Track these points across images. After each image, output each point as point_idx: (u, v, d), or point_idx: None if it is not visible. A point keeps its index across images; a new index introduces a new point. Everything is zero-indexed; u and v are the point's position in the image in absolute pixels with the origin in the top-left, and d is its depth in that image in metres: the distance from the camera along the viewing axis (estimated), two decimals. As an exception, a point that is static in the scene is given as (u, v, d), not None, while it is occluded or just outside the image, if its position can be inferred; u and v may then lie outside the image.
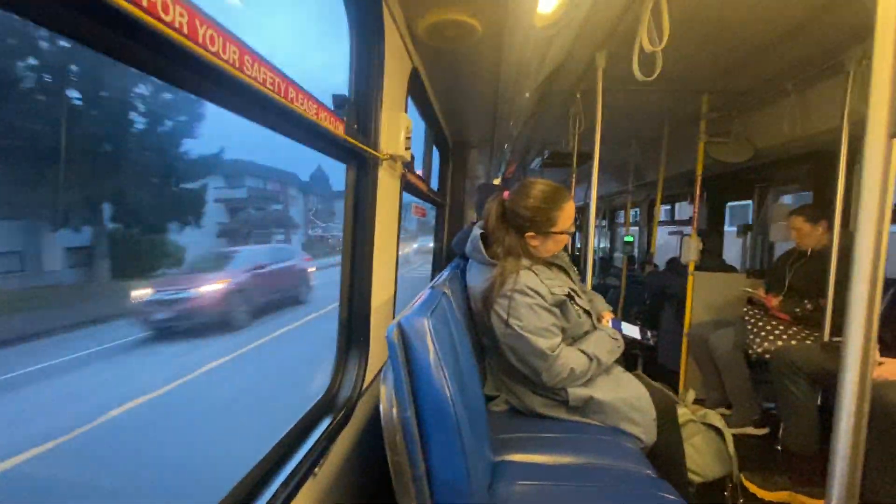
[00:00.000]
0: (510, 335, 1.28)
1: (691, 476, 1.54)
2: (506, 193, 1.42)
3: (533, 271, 1.32)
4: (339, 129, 0.93)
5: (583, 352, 1.33)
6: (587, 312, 1.44)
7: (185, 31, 0.48)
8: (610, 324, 1.53)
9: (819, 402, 1.86)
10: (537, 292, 1.28)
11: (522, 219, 1.35)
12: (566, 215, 1.36)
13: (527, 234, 1.35)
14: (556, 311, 1.32)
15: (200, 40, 0.50)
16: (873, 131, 0.58)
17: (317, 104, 0.84)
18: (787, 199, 3.60)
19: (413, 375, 0.82)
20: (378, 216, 1.24)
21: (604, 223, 6.25)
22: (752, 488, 1.80)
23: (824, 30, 1.62)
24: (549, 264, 1.44)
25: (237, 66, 0.58)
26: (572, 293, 1.38)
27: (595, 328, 1.46)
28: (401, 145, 1.29)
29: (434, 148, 2.78)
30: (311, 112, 0.81)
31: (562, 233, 1.36)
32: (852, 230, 2.05)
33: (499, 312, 1.29)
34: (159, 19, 0.45)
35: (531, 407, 1.40)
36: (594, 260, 2.13)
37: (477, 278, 1.40)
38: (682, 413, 1.59)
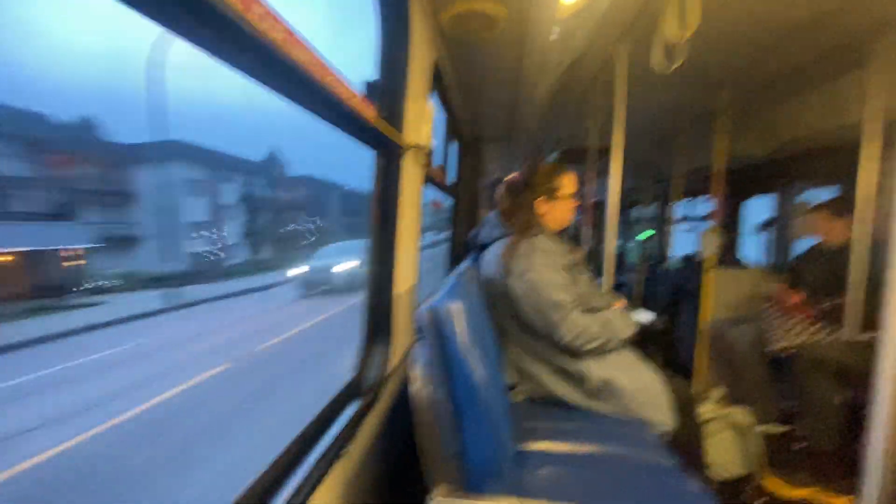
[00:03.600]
0: (528, 290, 1.36)
1: (713, 472, 1.54)
2: (515, 175, 1.58)
3: (544, 237, 1.45)
4: (370, 115, 0.94)
5: (596, 318, 1.40)
6: (597, 289, 1.55)
7: (240, 5, 0.49)
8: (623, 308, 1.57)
9: (842, 398, 1.83)
10: (551, 252, 1.41)
11: (532, 186, 1.50)
12: (569, 181, 1.52)
13: (536, 201, 1.49)
14: (569, 273, 1.43)
15: (252, 17, 0.52)
16: None
17: (350, 89, 0.85)
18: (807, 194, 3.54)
19: (445, 357, 0.83)
20: (401, 205, 1.25)
21: (620, 219, 6.20)
22: (773, 485, 1.78)
23: (844, 23, 1.59)
24: (561, 245, 1.52)
25: (284, 46, 0.59)
26: (581, 265, 1.52)
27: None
28: (424, 135, 1.30)
29: (451, 141, 2.79)
30: (346, 96, 0.82)
31: (567, 197, 1.51)
32: (880, 226, 2.02)
33: (516, 271, 1.38)
34: None
35: (551, 391, 1.40)
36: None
37: (496, 250, 1.48)
38: (708, 410, 1.59)
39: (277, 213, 29.83)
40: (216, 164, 24.28)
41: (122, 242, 20.02)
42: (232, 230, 24.28)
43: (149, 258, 20.14)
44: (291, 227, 29.71)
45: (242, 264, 23.58)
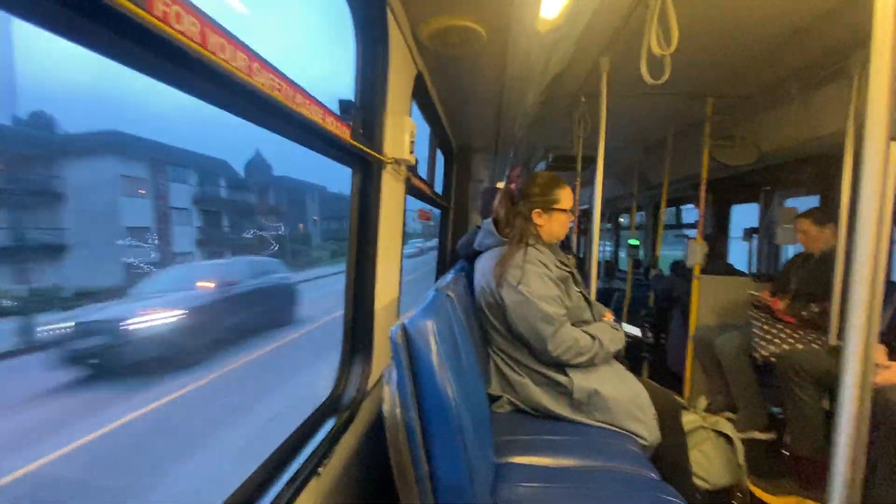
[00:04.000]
0: (520, 301, 1.36)
1: (699, 482, 1.54)
2: (512, 185, 1.57)
3: (539, 249, 1.45)
4: (344, 134, 0.95)
5: (585, 332, 1.41)
6: (587, 302, 1.54)
7: (197, 38, 0.50)
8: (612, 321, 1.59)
9: (826, 405, 1.84)
10: (545, 264, 1.41)
11: (530, 197, 1.50)
12: (566, 195, 1.52)
13: (534, 212, 1.49)
14: (561, 286, 1.43)
15: (210, 48, 0.52)
16: (872, 134, 0.59)
17: (323, 109, 0.85)
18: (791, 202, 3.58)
19: (416, 377, 0.83)
20: (382, 219, 1.25)
21: (608, 227, 6.24)
22: (759, 493, 1.78)
23: (829, 34, 1.62)
24: (555, 256, 1.52)
25: (247, 72, 0.59)
26: (573, 278, 1.51)
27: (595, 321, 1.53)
28: (405, 149, 1.31)
29: (438, 152, 2.80)
30: (318, 117, 0.82)
31: (563, 210, 1.51)
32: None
33: (510, 281, 1.38)
34: (172, 28, 0.46)
35: (535, 402, 1.40)
36: (598, 263, 2.13)
37: (489, 260, 1.48)
38: (693, 419, 1.59)
39: (243, 217, 26.42)
40: (162, 159, 20.51)
41: (40, 252, 15.73)
42: (183, 237, 21.14)
43: (74, 271, 16.18)
44: (253, 233, 25.91)
45: None
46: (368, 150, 1.10)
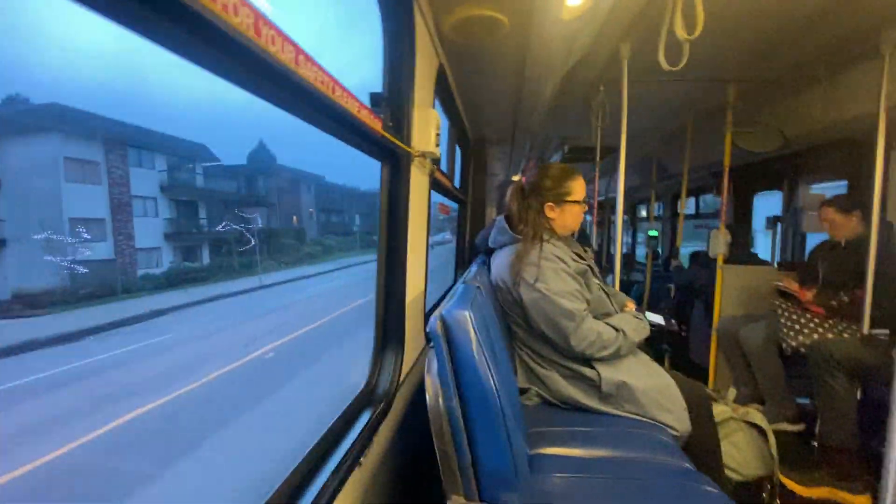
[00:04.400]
0: (539, 299, 1.35)
1: (730, 474, 1.52)
2: (523, 178, 1.55)
3: (553, 244, 1.43)
4: (376, 126, 0.95)
5: (608, 324, 1.39)
6: (607, 295, 1.52)
7: (252, 30, 0.50)
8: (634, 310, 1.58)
9: (858, 396, 1.81)
10: (561, 259, 1.38)
11: (541, 191, 1.47)
12: (578, 186, 1.49)
13: (546, 205, 1.47)
14: (580, 279, 1.40)
15: (264, 40, 0.52)
16: None
17: (358, 103, 0.85)
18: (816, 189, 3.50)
19: (457, 366, 0.83)
20: (410, 213, 1.25)
21: (625, 218, 6.17)
22: (791, 485, 1.76)
23: (857, 12, 1.57)
24: (571, 249, 1.51)
25: (293, 65, 0.60)
26: (591, 270, 1.49)
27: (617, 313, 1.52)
28: (431, 142, 1.30)
29: (455, 145, 2.79)
30: (354, 109, 0.82)
31: (576, 202, 1.48)
32: (890, 220, 1.99)
33: (527, 279, 1.36)
34: (231, 18, 0.47)
35: (563, 395, 1.40)
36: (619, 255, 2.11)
37: (505, 258, 1.46)
38: (723, 410, 1.57)
39: (227, 208, 22.91)
40: (120, 140, 17.14)
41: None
42: (149, 230, 18.33)
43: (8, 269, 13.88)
44: (227, 226, 21.73)
45: (159, 276, 17.37)
46: (399, 143, 1.10)
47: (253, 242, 21.15)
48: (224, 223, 21.90)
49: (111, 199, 16.76)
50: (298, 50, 0.62)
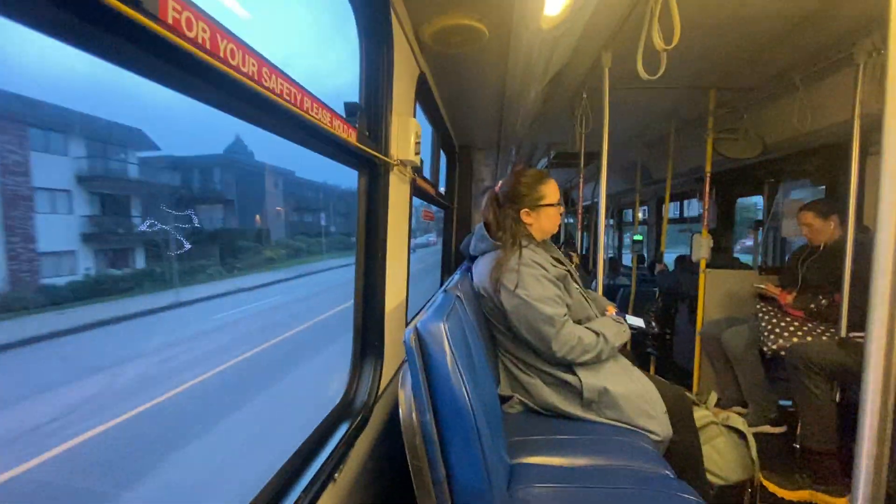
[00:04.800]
0: (519, 305, 1.35)
1: (712, 478, 1.53)
2: (497, 186, 1.56)
3: (532, 249, 1.44)
4: (351, 137, 0.94)
5: (588, 328, 1.39)
6: (587, 299, 1.52)
7: (208, 46, 0.49)
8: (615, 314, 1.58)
9: (837, 398, 1.84)
10: (540, 265, 1.39)
11: (515, 198, 1.48)
12: (551, 190, 1.50)
13: (522, 211, 1.48)
14: (560, 284, 1.42)
15: (222, 54, 0.51)
16: (890, 123, 0.57)
17: (330, 113, 0.85)
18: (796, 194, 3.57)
19: (431, 379, 0.82)
20: (389, 221, 1.25)
21: (611, 222, 6.23)
22: (772, 487, 1.77)
23: (832, 22, 1.61)
24: (550, 254, 1.51)
25: (256, 78, 0.59)
26: (571, 275, 1.49)
27: (598, 317, 1.52)
28: (411, 150, 1.30)
29: (441, 151, 2.79)
30: (326, 121, 0.82)
31: (551, 205, 1.49)
32: (867, 224, 2.03)
33: (507, 286, 1.37)
34: (183, 36, 0.46)
35: (546, 402, 1.40)
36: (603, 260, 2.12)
37: (485, 265, 1.46)
38: (704, 415, 1.59)
39: (172, 205, 19.17)
40: (16, 117, 13.48)
41: None
42: (60, 230, 14.62)
43: None
44: (171, 225, 18.15)
45: (61, 288, 13.43)
46: (375, 153, 1.09)
47: (188, 246, 17.89)
48: (159, 222, 17.86)
49: (2, 191, 13.05)
50: (262, 62, 0.61)
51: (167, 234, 17.88)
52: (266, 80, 0.61)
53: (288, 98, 0.67)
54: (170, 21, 0.44)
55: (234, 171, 25.38)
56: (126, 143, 18.14)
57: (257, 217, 26.37)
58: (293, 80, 0.70)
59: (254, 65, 0.58)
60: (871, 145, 2.07)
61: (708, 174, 2.50)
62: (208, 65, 0.50)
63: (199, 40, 0.48)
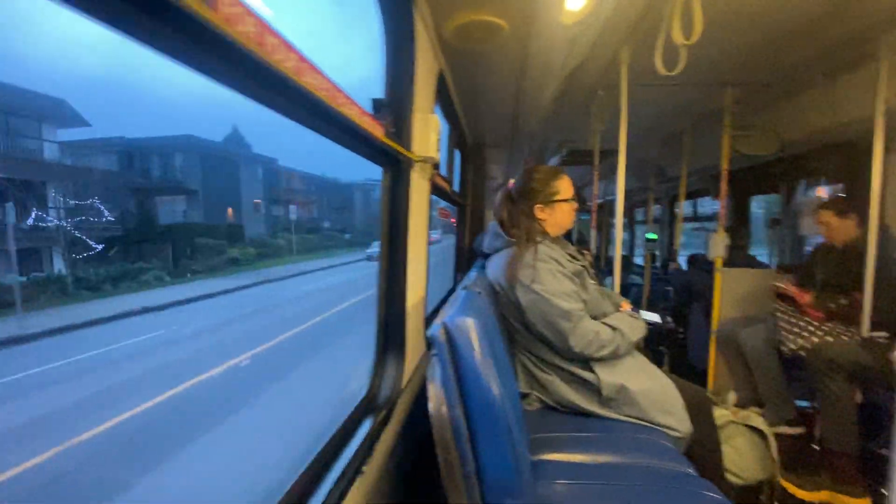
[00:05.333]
0: (536, 300, 1.35)
1: (731, 478, 1.53)
2: (510, 182, 1.56)
3: (548, 245, 1.44)
4: (378, 133, 0.95)
5: (605, 323, 1.39)
6: (603, 295, 1.52)
7: (256, 40, 0.50)
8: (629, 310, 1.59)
9: (858, 399, 1.81)
10: (556, 260, 1.39)
11: (529, 194, 1.49)
12: (565, 185, 1.50)
13: (536, 207, 1.47)
14: (576, 280, 1.41)
15: (268, 49, 0.52)
16: None
17: (359, 109, 0.85)
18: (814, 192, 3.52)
19: (460, 374, 0.83)
20: (410, 218, 1.25)
21: (624, 221, 6.19)
22: (791, 488, 1.76)
23: (854, 15, 1.58)
24: (565, 250, 1.51)
25: (297, 73, 0.59)
26: (586, 271, 1.49)
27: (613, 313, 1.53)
28: (431, 147, 1.30)
29: (454, 149, 2.79)
30: (355, 116, 0.82)
31: (565, 200, 1.49)
32: (888, 223, 2.00)
33: (523, 282, 1.37)
34: (235, 28, 0.46)
35: (564, 399, 1.40)
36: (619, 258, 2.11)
37: (500, 261, 1.47)
38: (723, 414, 1.58)
39: (107, 195, 15.97)
40: None
41: None
42: None
43: None
44: (94, 219, 15.21)
45: None
46: (400, 149, 1.10)
47: (113, 249, 14.59)
48: (82, 216, 14.61)
49: None
50: (301, 58, 0.61)
51: (107, 229, 15.10)
52: (304, 76, 0.62)
53: (324, 94, 0.68)
54: (224, 15, 0.44)
55: (200, 157, 20.91)
56: (40, 118, 14.70)
57: (229, 211, 22.65)
58: (327, 76, 0.71)
59: (294, 60, 0.59)
60: (893, 141, 2.04)
61: (724, 171, 2.47)
62: (254, 59, 0.51)
63: (249, 35, 0.48)
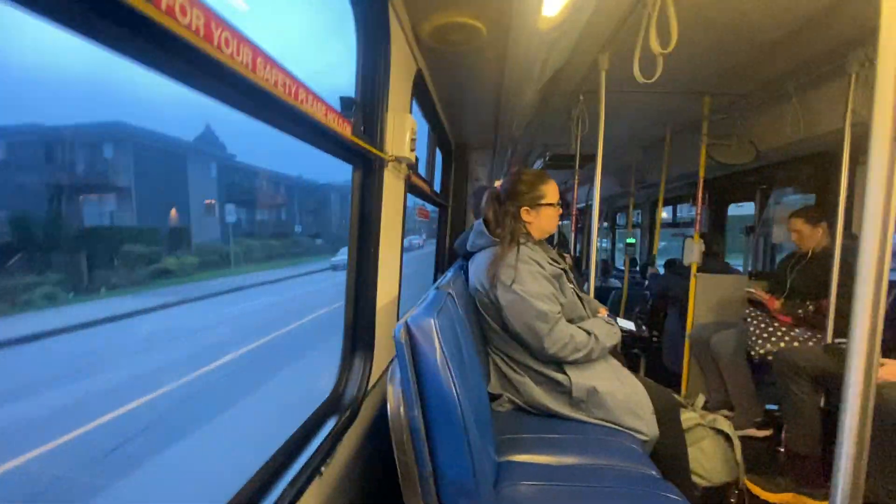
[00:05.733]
0: (515, 300, 1.36)
1: (697, 480, 1.55)
2: (497, 184, 1.58)
3: (530, 247, 1.47)
4: (346, 131, 0.94)
5: (581, 328, 1.41)
6: (580, 299, 1.54)
7: (202, 33, 0.49)
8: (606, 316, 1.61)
9: (822, 403, 1.86)
10: (537, 262, 1.42)
11: (516, 196, 1.51)
12: (551, 190, 1.53)
13: (522, 209, 1.50)
14: (555, 283, 1.43)
15: (216, 42, 0.51)
16: (877, 133, 0.58)
17: (325, 106, 0.84)
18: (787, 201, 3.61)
19: (420, 375, 0.82)
20: (383, 218, 1.25)
21: (604, 225, 6.26)
22: (756, 490, 1.79)
23: (826, 32, 1.63)
24: (547, 253, 1.53)
25: (250, 68, 0.58)
26: (566, 274, 1.52)
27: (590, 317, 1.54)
28: (406, 147, 1.30)
29: (437, 150, 2.79)
30: (320, 114, 0.81)
31: (550, 205, 1.52)
32: (855, 232, 2.06)
33: (504, 281, 1.38)
34: (177, 21, 0.45)
35: (535, 401, 1.41)
36: (595, 262, 2.14)
37: (483, 260, 1.48)
38: (691, 417, 1.60)
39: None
40: None
41: None
42: None
43: None
44: None
45: None
46: (369, 148, 1.09)
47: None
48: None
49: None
50: (257, 52, 0.60)
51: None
52: (261, 71, 0.61)
53: (283, 89, 0.67)
54: (164, 7, 0.43)
55: (135, 148, 17.14)
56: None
57: (172, 212, 19.31)
58: (288, 72, 0.70)
59: (248, 54, 0.58)
60: (862, 154, 2.10)
61: (701, 179, 2.52)
62: (201, 52, 0.50)
63: (193, 27, 0.47)
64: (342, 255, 13.34)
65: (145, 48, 0.47)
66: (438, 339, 0.83)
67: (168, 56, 0.49)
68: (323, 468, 0.88)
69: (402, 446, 0.81)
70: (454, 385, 0.81)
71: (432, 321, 0.85)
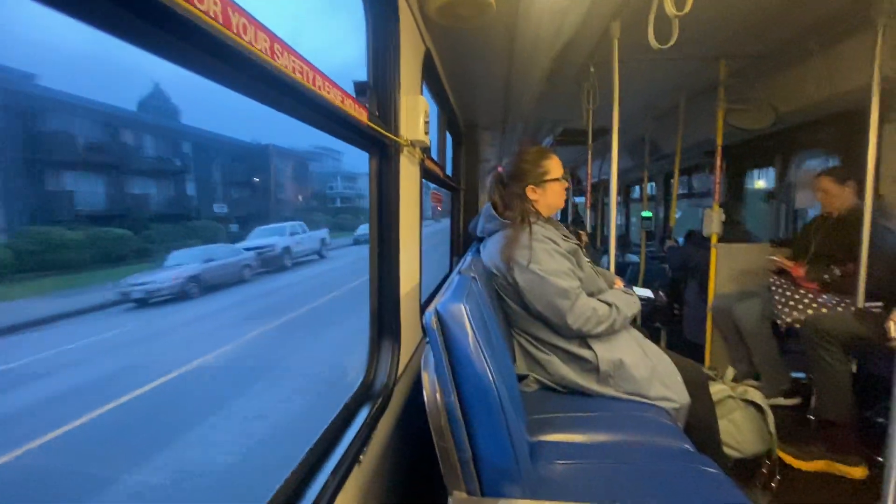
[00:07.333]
0: (533, 280, 1.36)
1: (729, 451, 1.54)
2: (499, 167, 1.56)
3: (542, 225, 1.46)
4: (362, 117, 0.92)
5: (601, 300, 1.41)
6: (597, 273, 1.53)
7: (220, 19, 0.47)
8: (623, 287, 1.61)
9: (854, 369, 1.83)
10: (552, 240, 1.40)
11: (520, 175, 1.49)
12: (555, 165, 1.50)
13: (527, 188, 1.48)
14: (571, 258, 1.42)
15: (234, 29, 0.49)
16: None
17: (342, 93, 0.82)
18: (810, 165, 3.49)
19: (453, 360, 0.82)
20: (401, 204, 1.23)
21: (618, 199, 6.15)
22: (788, 459, 1.78)
23: None
24: (558, 230, 1.52)
25: (269, 54, 0.56)
26: (581, 249, 1.51)
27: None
28: (420, 130, 1.27)
29: (446, 132, 2.75)
30: (337, 100, 0.79)
31: (555, 180, 1.49)
32: (882, 193, 1.99)
33: (520, 262, 1.37)
34: (196, 7, 0.43)
35: (563, 378, 1.40)
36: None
37: (496, 244, 1.47)
38: (721, 389, 1.59)
39: None
40: None
41: None
42: None
43: None
44: None
45: None
46: (386, 133, 1.07)
47: None
48: None
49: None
50: (273, 38, 0.58)
51: None
52: (279, 58, 0.59)
53: (301, 76, 0.65)
54: None
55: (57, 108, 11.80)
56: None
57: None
58: (305, 59, 0.68)
59: (265, 41, 0.56)
60: (892, 111, 2.01)
61: (719, 147, 2.45)
62: (220, 40, 0.48)
63: (211, 13, 0.45)
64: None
65: (162, 36, 0.45)
66: (470, 323, 0.82)
67: (186, 44, 0.47)
68: (361, 455, 0.89)
69: (441, 432, 0.81)
70: (489, 369, 0.81)
71: (462, 306, 0.84)
